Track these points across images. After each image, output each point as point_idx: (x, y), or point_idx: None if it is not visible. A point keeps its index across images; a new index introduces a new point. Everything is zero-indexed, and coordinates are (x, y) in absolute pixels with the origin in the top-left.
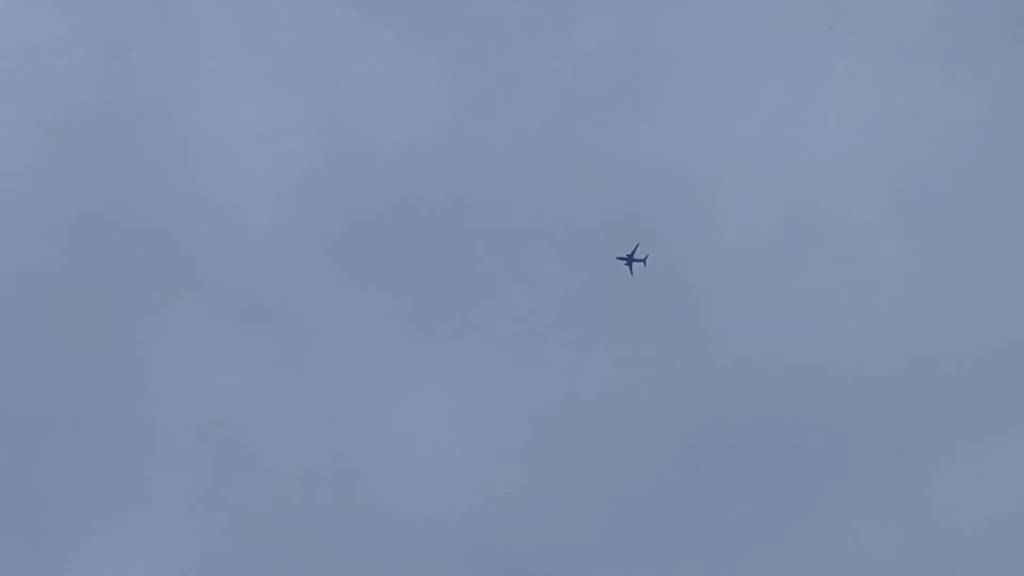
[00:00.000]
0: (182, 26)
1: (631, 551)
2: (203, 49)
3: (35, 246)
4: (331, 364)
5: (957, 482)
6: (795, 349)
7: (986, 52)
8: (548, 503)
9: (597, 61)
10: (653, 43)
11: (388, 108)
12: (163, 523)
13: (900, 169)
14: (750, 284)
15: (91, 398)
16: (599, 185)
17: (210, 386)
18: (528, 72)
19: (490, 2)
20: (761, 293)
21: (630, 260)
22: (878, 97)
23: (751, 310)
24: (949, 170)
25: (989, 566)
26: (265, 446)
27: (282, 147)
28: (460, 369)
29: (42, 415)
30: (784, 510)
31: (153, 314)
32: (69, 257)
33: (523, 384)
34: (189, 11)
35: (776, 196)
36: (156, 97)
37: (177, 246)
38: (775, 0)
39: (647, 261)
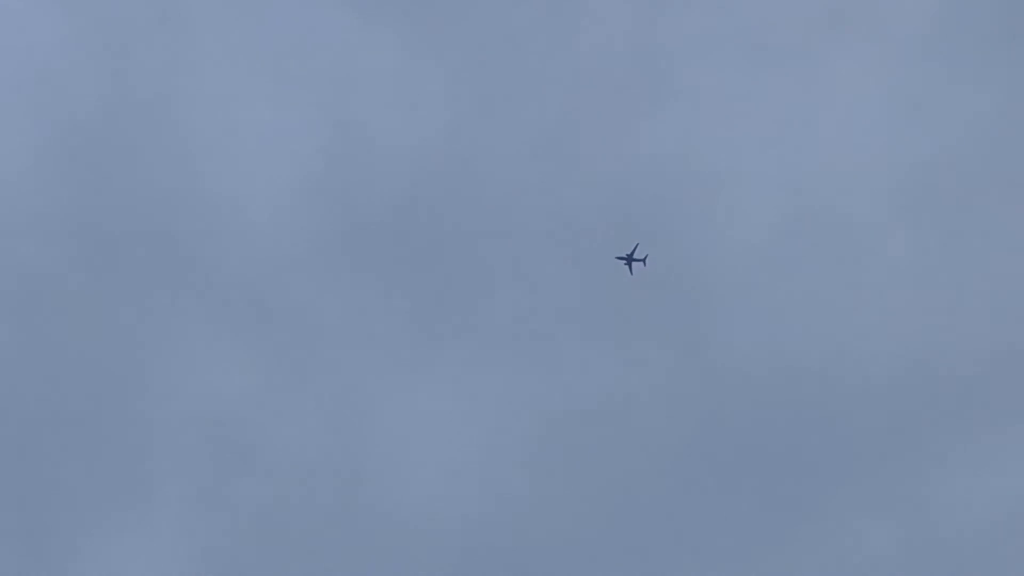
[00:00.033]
0: (184, 27)
1: (634, 551)
2: (205, 50)
3: (37, 246)
4: (334, 364)
5: (960, 483)
6: (799, 350)
7: (993, 52)
8: (551, 504)
9: (600, 62)
10: (657, 43)
11: (391, 109)
12: (165, 522)
13: (905, 170)
14: (754, 285)
15: (93, 398)
16: (603, 185)
17: (212, 386)
18: (531, 73)
19: (494, 3)
20: (765, 294)
21: (630, 260)
22: (884, 97)
23: (755, 310)
24: (955, 170)
25: (991, 567)
26: (268, 446)
27: (284, 147)
28: (463, 369)
29: (44, 414)
30: (788, 510)
31: (155, 314)
32: (71, 257)
33: (527, 384)
34: (191, 12)
35: (780, 196)
36: (158, 97)
37: (180, 246)
38: (781, 1)
39: (647, 261)
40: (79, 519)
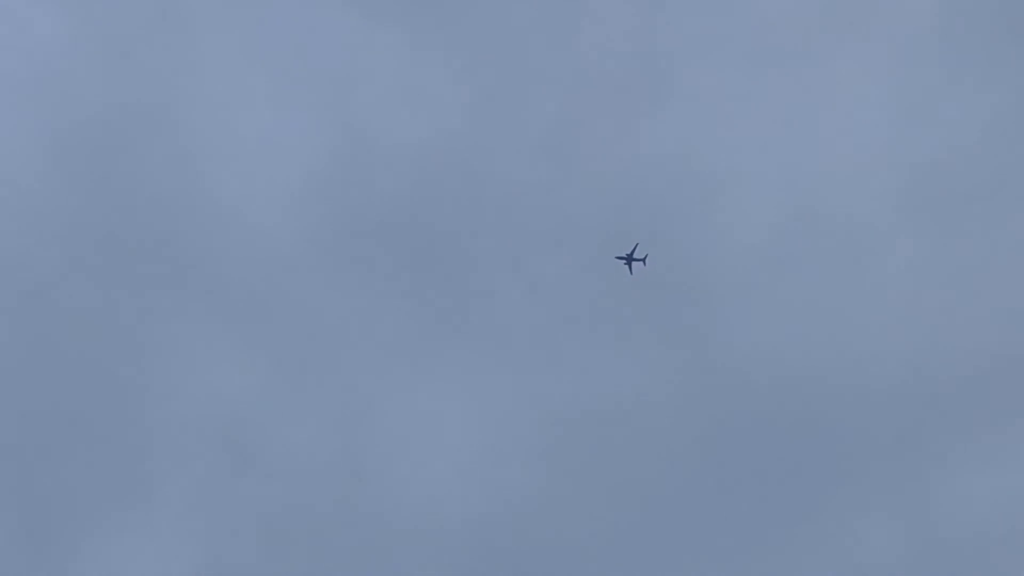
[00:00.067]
0: (188, 30)
1: (639, 550)
2: (209, 53)
3: (42, 248)
4: (339, 365)
5: (964, 484)
6: (802, 350)
7: (995, 53)
8: (557, 504)
9: (602, 63)
10: (659, 44)
11: (394, 111)
12: (169, 524)
13: (907, 171)
14: (757, 285)
15: (97, 398)
16: (607, 186)
17: (217, 387)
18: (534, 74)
19: (497, 4)
20: (768, 294)
21: (629, 260)
22: (886, 99)
23: (758, 311)
24: (958, 172)
25: (994, 567)
26: (272, 447)
27: (289, 149)
28: (467, 370)
29: (49, 416)
30: (792, 510)
31: (159, 315)
32: (74, 259)
33: (532, 385)
34: (195, 15)
35: (782, 197)
36: (162, 100)
37: (184, 248)
38: (782, 1)
39: (647, 260)
40: (83, 519)
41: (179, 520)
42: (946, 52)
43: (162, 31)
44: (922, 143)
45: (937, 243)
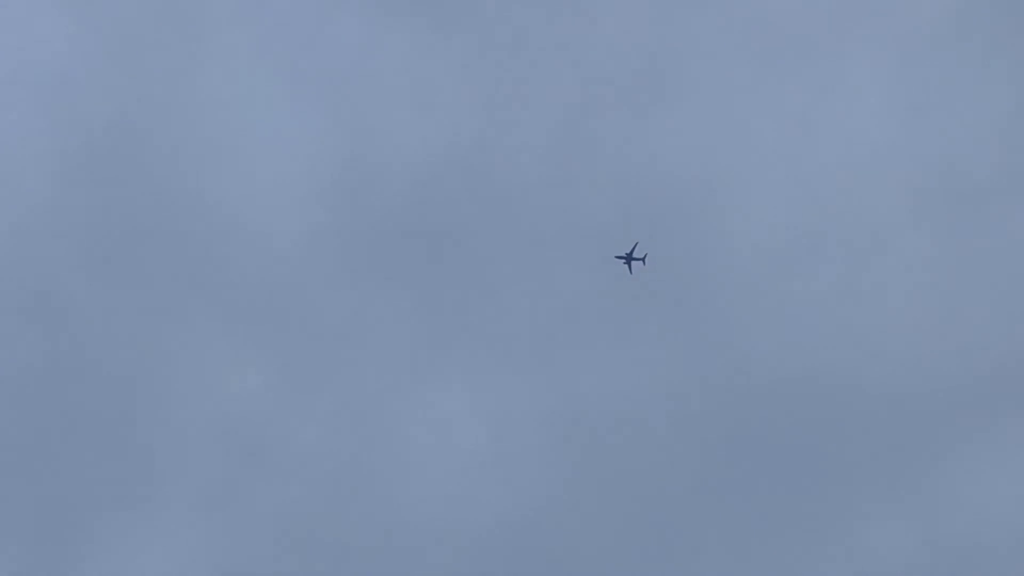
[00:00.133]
0: (196, 31)
1: (646, 551)
2: (218, 54)
3: (53, 250)
4: (347, 367)
5: (972, 485)
6: (812, 350)
7: (1003, 51)
8: (565, 504)
9: (610, 64)
10: (667, 45)
11: (402, 112)
12: (179, 524)
13: (916, 171)
14: (766, 286)
15: (107, 401)
16: (614, 187)
17: (226, 389)
18: (542, 75)
19: (505, 5)
20: (777, 295)
21: (629, 259)
22: (894, 99)
23: (767, 312)
24: (966, 171)
25: (1004, 570)
26: (281, 448)
27: (298, 150)
28: (476, 371)
29: (59, 418)
30: (799, 512)
31: (169, 317)
32: (83, 261)
33: (540, 386)
34: (203, 16)
35: (791, 197)
36: (170, 101)
37: (193, 249)
38: (789, 1)
39: (646, 260)
40: (93, 520)
41: (188, 521)
42: (954, 51)
43: (170, 33)
44: (931, 143)
45: (946, 243)
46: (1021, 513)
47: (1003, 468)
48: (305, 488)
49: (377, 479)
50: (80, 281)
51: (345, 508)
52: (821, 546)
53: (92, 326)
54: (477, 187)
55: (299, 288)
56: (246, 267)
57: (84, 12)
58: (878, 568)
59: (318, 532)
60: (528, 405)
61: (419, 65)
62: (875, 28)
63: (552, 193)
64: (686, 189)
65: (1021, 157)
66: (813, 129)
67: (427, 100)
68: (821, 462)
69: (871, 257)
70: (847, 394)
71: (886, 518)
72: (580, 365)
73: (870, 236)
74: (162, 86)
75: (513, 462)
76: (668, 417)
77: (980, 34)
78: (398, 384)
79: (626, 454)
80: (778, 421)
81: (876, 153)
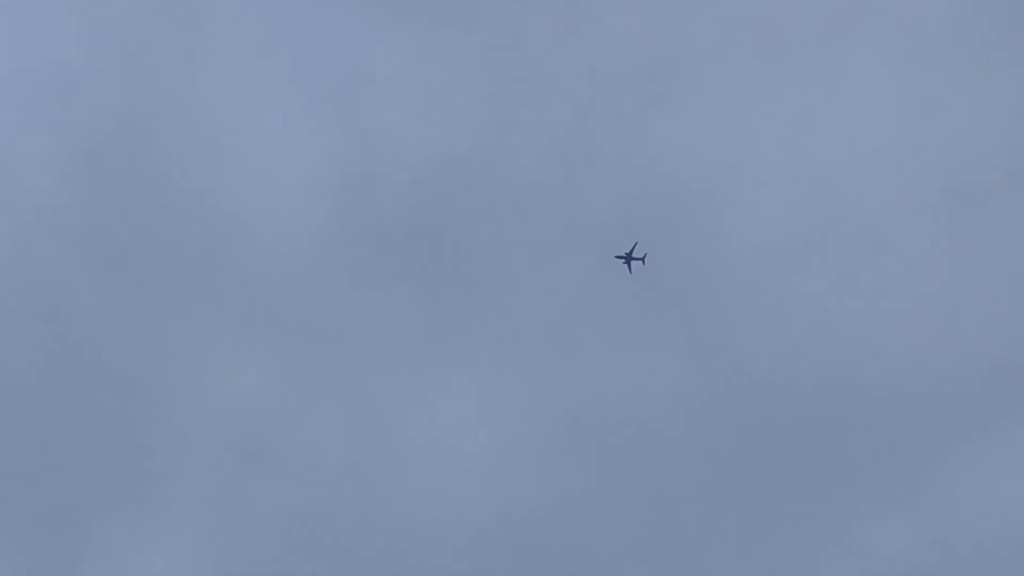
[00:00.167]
0: (200, 32)
1: (651, 551)
2: (222, 55)
3: (57, 249)
4: (351, 367)
5: (978, 484)
6: (814, 349)
7: (1006, 51)
8: (569, 505)
9: (612, 64)
10: (669, 45)
11: (404, 113)
12: (183, 524)
13: (920, 170)
14: (769, 285)
15: (112, 399)
16: (617, 187)
17: (230, 389)
18: (545, 75)
19: (507, 6)
20: (780, 294)
21: (629, 259)
22: (896, 99)
23: (772, 311)
24: (969, 172)
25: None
26: (285, 448)
27: (301, 151)
28: (481, 371)
29: (64, 415)
30: (804, 511)
31: (173, 316)
32: (90, 260)
33: (545, 386)
34: (206, 17)
35: (793, 197)
36: (174, 103)
37: (197, 250)
38: (792, 1)
39: (646, 260)
40: (97, 520)
41: (191, 521)
42: (957, 52)
43: (174, 34)
44: (934, 143)
45: (948, 243)
46: (1022, 513)
47: (1005, 468)
48: (309, 488)
49: (381, 479)
50: (84, 281)
51: (349, 508)
52: (824, 545)
53: (95, 326)
54: (480, 187)
55: (302, 288)
56: (250, 267)
57: (89, 14)
58: (882, 568)
59: (322, 533)
60: (532, 406)
61: (422, 66)
62: (877, 28)
63: (556, 193)
64: (689, 189)
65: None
66: (815, 129)
67: (431, 100)
68: (824, 462)
69: (873, 257)
70: (850, 393)
71: (889, 518)
72: (584, 366)
73: (872, 236)
74: (165, 86)
75: (517, 463)
76: (672, 417)
77: (982, 35)
78: (401, 384)
79: (630, 454)
80: (781, 421)
81: (878, 153)
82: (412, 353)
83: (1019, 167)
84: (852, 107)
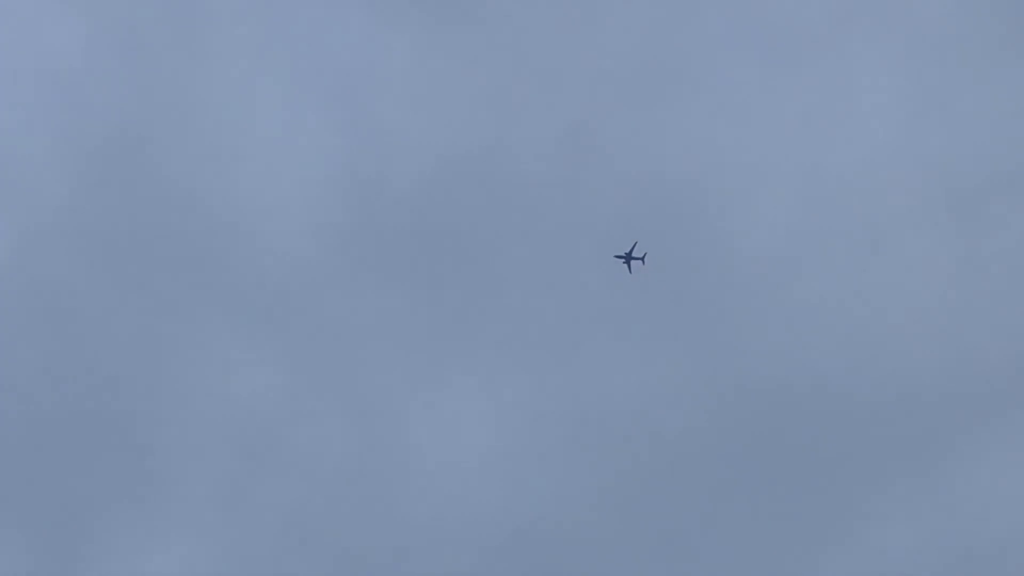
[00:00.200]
0: (203, 32)
1: (656, 550)
2: (226, 55)
3: (61, 250)
4: (357, 367)
5: (980, 484)
6: (816, 349)
7: (1011, 51)
8: (575, 505)
9: (618, 62)
10: (675, 44)
11: (410, 112)
12: (189, 523)
13: (923, 171)
14: (772, 285)
15: (118, 399)
16: (623, 187)
17: (237, 388)
18: (550, 74)
19: (512, 4)
20: (783, 294)
21: (628, 258)
22: (901, 98)
23: (775, 311)
24: (974, 171)
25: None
26: (292, 449)
27: (308, 149)
28: (486, 370)
29: (70, 415)
30: (807, 511)
31: (179, 316)
32: (97, 261)
33: (550, 385)
34: (210, 17)
35: (799, 196)
36: (178, 103)
37: (202, 249)
38: (797, 0)
39: (645, 259)
40: (103, 519)
41: (198, 521)
42: (959, 53)
43: (178, 34)
44: (936, 145)
45: (951, 243)
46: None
47: (1007, 468)
48: (314, 488)
49: (386, 480)
50: (88, 281)
51: (352, 508)
52: (827, 545)
53: (101, 327)
54: (485, 187)
55: (307, 287)
56: (255, 267)
57: (97, 15)
58: (885, 568)
59: (326, 533)
60: (537, 405)
61: (426, 66)
62: (879, 30)
63: (560, 193)
64: (692, 190)
65: None
66: (817, 130)
67: (434, 101)
68: (826, 461)
69: (875, 258)
70: (852, 393)
71: (891, 518)
72: (589, 366)
73: (874, 237)
74: (169, 88)
75: (521, 463)
76: (676, 417)
77: (985, 36)
78: (407, 384)
79: (633, 454)
80: (785, 420)
81: (880, 155)
82: (416, 353)
83: (1021, 167)
84: (854, 108)
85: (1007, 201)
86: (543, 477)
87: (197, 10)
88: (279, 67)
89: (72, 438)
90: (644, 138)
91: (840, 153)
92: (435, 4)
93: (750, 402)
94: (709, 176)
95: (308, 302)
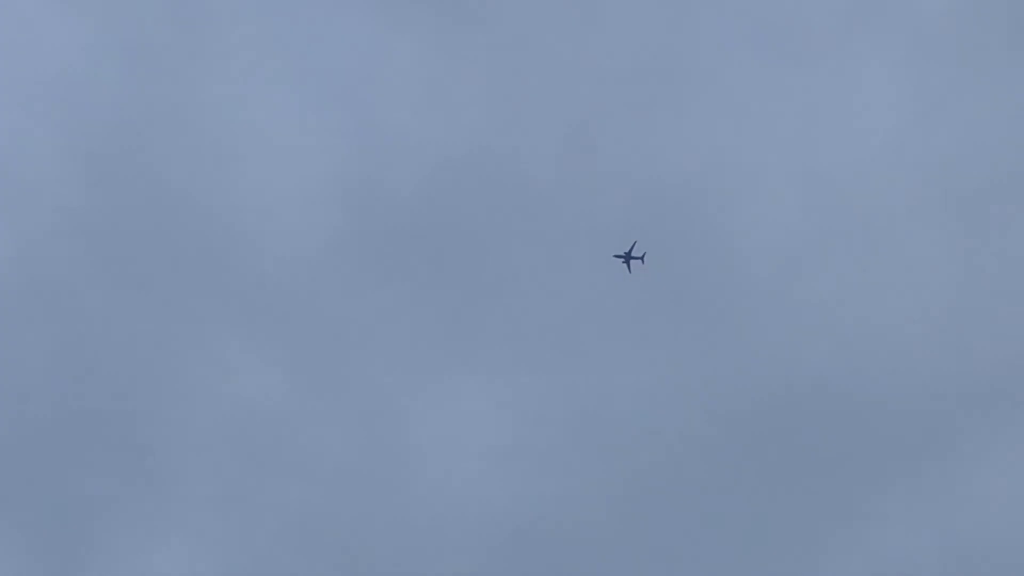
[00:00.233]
0: (208, 33)
1: (659, 549)
2: (231, 55)
3: (65, 249)
4: (362, 367)
5: (981, 484)
6: (818, 349)
7: (1012, 51)
8: (581, 503)
9: (621, 63)
10: (677, 45)
11: (414, 113)
12: (193, 523)
13: (925, 171)
14: (774, 285)
15: (119, 399)
16: (628, 186)
17: (242, 389)
18: (556, 75)
19: (516, 5)
20: (785, 294)
21: (628, 258)
22: (904, 99)
23: (778, 311)
24: (976, 171)
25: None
26: (296, 449)
27: (313, 149)
28: (492, 372)
29: (75, 416)
30: (810, 511)
31: (180, 316)
32: (101, 262)
33: (555, 386)
34: (215, 18)
35: (801, 196)
36: (183, 103)
37: (205, 249)
38: (800, 1)
39: (645, 259)
40: (107, 519)
41: (201, 520)
42: (964, 51)
43: (183, 35)
44: (938, 144)
45: (953, 244)
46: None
47: (1007, 468)
48: (317, 489)
49: (388, 480)
50: (92, 283)
51: (356, 509)
52: (826, 545)
53: (102, 327)
54: (486, 188)
55: (310, 288)
56: (257, 268)
57: (96, 19)
58: (885, 568)
59: (329, 532)
60: (540, 405)
61: (428, 67)
62: (880, 30)
63: (565, 193)
64: (693, 190)
65: None
66: (818, 130)
67: (437, 102)
68: (827, 462)
69: (875, 258)
70: (853, 394)
71: (891, 518)
72: (594, 365)
73: (875, 237)
74: (172, 89)
75: (524, 463)
76: (677, 416)
77: (986, 36)
78: (412, 384)
79: (636, 453)
80: (787, 419)
81: (881, 155)
82: (417, 353)
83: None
84: (855, 108)
85: (1008, 202)
86: (545, 477)
87: (199, 12)
88: (281, 69)
89: (72, 438)
90: (645, 138)
91: (841, 153)
92: (437, 5)
93: (750, 402)
94: (709, 176)
95: (310, 302)
